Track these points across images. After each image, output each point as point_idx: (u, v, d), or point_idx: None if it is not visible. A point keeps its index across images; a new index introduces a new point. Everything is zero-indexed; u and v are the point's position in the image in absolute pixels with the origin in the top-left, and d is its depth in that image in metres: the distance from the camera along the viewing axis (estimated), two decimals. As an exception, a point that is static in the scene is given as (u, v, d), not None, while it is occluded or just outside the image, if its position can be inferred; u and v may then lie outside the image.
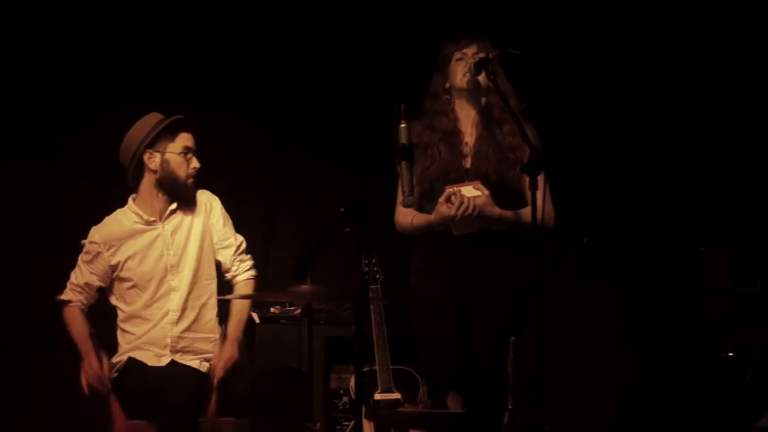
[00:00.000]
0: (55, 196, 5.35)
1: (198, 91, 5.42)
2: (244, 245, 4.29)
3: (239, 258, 4.27)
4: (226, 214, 4.27)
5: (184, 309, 4.10)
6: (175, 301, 4.10)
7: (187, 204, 4.16)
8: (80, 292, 4.12)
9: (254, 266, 4.31)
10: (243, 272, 4.27)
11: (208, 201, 4.23)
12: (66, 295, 4.13)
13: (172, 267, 4.11)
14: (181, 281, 4.11)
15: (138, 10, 5.40)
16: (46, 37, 5.32)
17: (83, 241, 4.13)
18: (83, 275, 4.12)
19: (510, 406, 3.47)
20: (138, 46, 5.41)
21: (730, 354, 4.66)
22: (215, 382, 4.00)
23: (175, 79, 5.43)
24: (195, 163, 4.13)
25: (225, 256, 4.25)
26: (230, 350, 4.09)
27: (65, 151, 5.36)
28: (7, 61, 5.28)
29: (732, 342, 4.72)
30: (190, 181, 4.13)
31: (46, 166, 5.34)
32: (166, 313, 4.09)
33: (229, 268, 4.26)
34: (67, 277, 4.15)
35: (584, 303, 5.50)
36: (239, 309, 4.21)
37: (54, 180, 5.35)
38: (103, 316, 4.18)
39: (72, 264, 4.14)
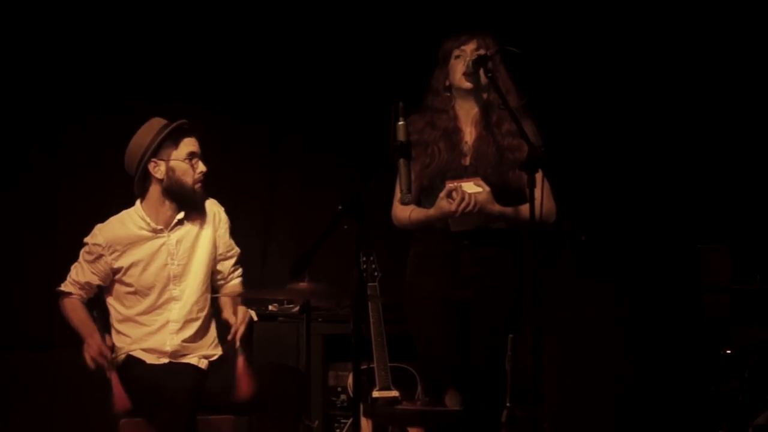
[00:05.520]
0: (54, 194, 5.34)
1: (197, 89, 5.42)
2: (238, 255, 4.32)
3: (235, 266, 4.30)
4: (229, 224, 4.27)
5: (186, 320, 4.09)
6: (176, 311, 4.09)
7: (196, 211, 4.13)
8: (80, 288, 4.11)
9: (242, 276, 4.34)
10: (236, 278, 4.30)
11: (217, 212, 4.21)
12: (66, 288, 4.11)
13: (174, 277, 4.09)
14: (183, 291, 4.10)
15: (138, 10, 5.39)
16: (46, 36, 5.31)
17: (86, 240, 4.10)
18: (84, 274, 4.10)
19: (508, 404, 3.48)
20: (138, 47, 5.40)
21: (729, 352, 4.68)
22: (238, 341, 4.01)
23: (174, 77, 5.42)
24: (201, 167, 4.08)
25: (226, 266, 4.26)
26: (245, 309, 4.13)
27: (65, 150, 5.36)
28: (8, 60, 5.27)
29: (730, 340, 4.73)
30: (197, 186, 4.09)
31: (46, 164, 5.34)
32: (167, 323, 4.07)
33: (226, 276, 4.27)
34: (66, 275, 4.13)
35: (583, 301, 5.51)
36: (230, 289, 4.26)
37: (53, 178, 5.34)
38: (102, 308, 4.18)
39: (71, 262, 4.13)
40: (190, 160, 4.07)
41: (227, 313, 4.13)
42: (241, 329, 4.05)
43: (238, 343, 4.03)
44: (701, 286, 5.22)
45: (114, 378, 3.94)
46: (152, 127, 4.07)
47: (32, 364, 5.15)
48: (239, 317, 4.09)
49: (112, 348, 4.05)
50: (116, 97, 5.33)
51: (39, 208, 5.31)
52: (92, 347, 3.97)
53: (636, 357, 5.50)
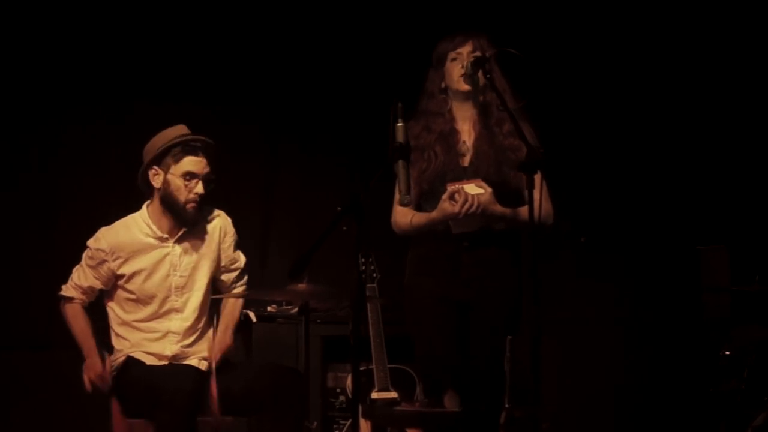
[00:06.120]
0: (54, 194, 5.34)
1: (197, 89, 5.41)
2: (244, 265, 4.29)
3: (238, 277, 4.28)
4: (236, 237, 4.25)
5: (187, 333, 4.10)
6: (177, 322, 4.08)
7: (188, 227, 4.10)
8: (83, 293, 4.11)
9: (246, 284, 4.32)
10: (237, 289, 4.28)
11: (223, 226, 4.19)
12: (68, 292, 4.11)
13: (177, 288, 4.09)
14: (185, 303, 4.10)
15: (138, 10, 5.39)
16: (46, 37, 5.31)
17: (89, 243, 4.09)
18: (87, 278, 4.09)
19: (507, 405, 3.48)
20: (138, 47, 5.40)
21: (728, 352, 4.67)
22: (213, 368, 3.99)
23: (175, 78, 5.41)
24: (198, 189, 4.02)
25: (229, 278, 4.25)
26: (224, 337, 4.11)
27: (65, 150, 5.36)
28: (9, 60, 5.27)
29: (730, 340, 4.73)
30: (189, 206, 4.04)
31: (46, 164, 5.34)
32: (167, 333, 4.07)
33: (229, 286, 4.26)
34: (67, 275, 4.13)
35: (583, 301, 5.50)
36: (231, 308, 4.23)
37: (53, 178, 5.34)
38: (101, 312, 4.18)
39: (71, 262, 4.13)
40: (188, 179, 4.02)
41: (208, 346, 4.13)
42: (216, 358, 4.03)
43: (213, 372, 4.00)
44: (701, 287, 5.22)
45: (115, 408, 3.95)
46: (169, 134, 4.06)
47: (32, 364, 5.15)
48: (216, 348, 4.08)
49: (113, 350, 4.06)
50: (116, 97, 5.34)
51: (39, 208, 5.30)
52: (91, 371, 3.99)
53: (636, 357, 5.50)
